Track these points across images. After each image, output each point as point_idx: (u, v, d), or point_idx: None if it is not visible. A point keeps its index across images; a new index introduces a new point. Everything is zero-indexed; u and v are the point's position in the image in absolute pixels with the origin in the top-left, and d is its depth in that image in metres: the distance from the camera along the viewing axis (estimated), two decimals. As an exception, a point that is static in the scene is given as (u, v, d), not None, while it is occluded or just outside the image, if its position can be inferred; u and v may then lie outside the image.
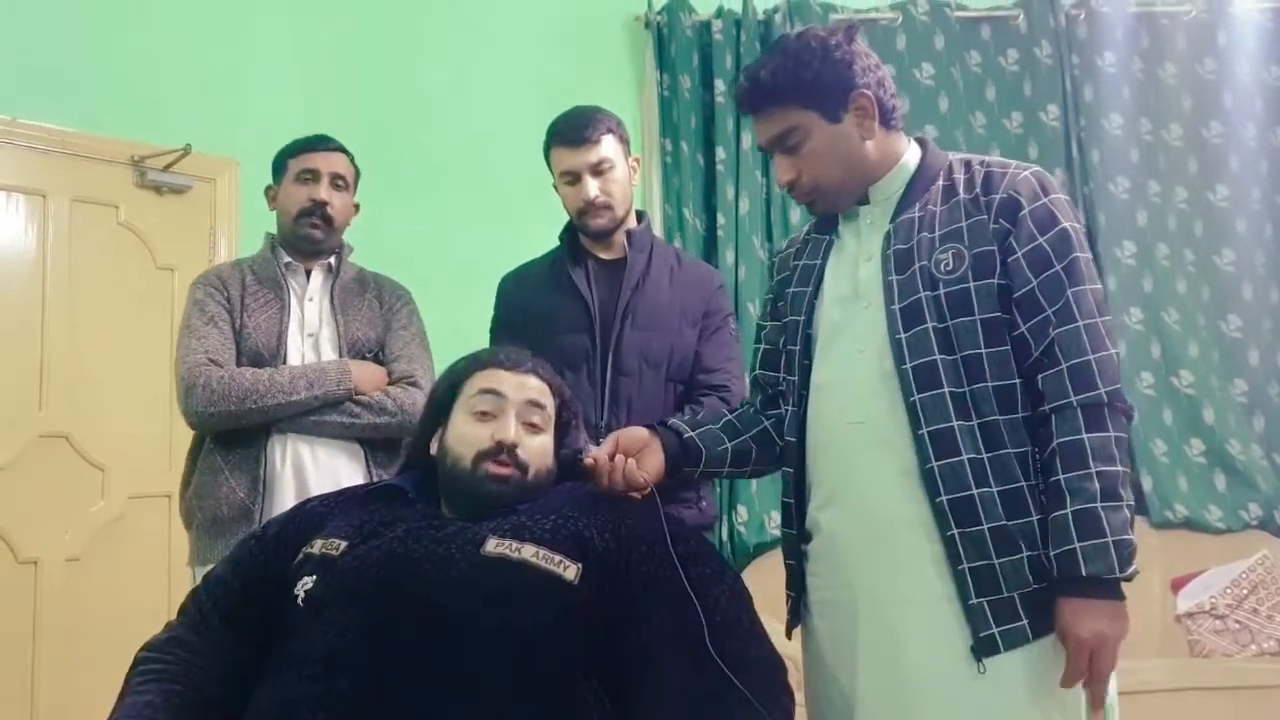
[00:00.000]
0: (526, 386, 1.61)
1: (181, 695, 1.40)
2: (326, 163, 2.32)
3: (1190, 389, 3.53)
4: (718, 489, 3.00)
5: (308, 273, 2.33)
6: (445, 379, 1.68)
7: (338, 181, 2.33)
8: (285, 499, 2.10)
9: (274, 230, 2.39)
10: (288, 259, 2.32)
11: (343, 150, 2.38)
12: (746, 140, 3.59)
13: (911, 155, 1.61)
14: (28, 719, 2.93)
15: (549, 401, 1.63)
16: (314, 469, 2.18)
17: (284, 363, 2.22)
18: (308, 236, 2.30)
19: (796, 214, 3.57)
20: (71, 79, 3.19)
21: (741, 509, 3.42)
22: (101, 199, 3.24)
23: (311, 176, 2.31)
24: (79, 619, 3.02)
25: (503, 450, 1.52)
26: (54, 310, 3.10)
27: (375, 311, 2.34)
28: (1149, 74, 3.72)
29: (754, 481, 3.34)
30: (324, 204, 2.29)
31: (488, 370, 1.62)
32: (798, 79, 1.53)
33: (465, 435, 1.56)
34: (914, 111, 3.68)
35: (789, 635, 1.68)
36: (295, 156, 2.34)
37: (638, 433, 1.66)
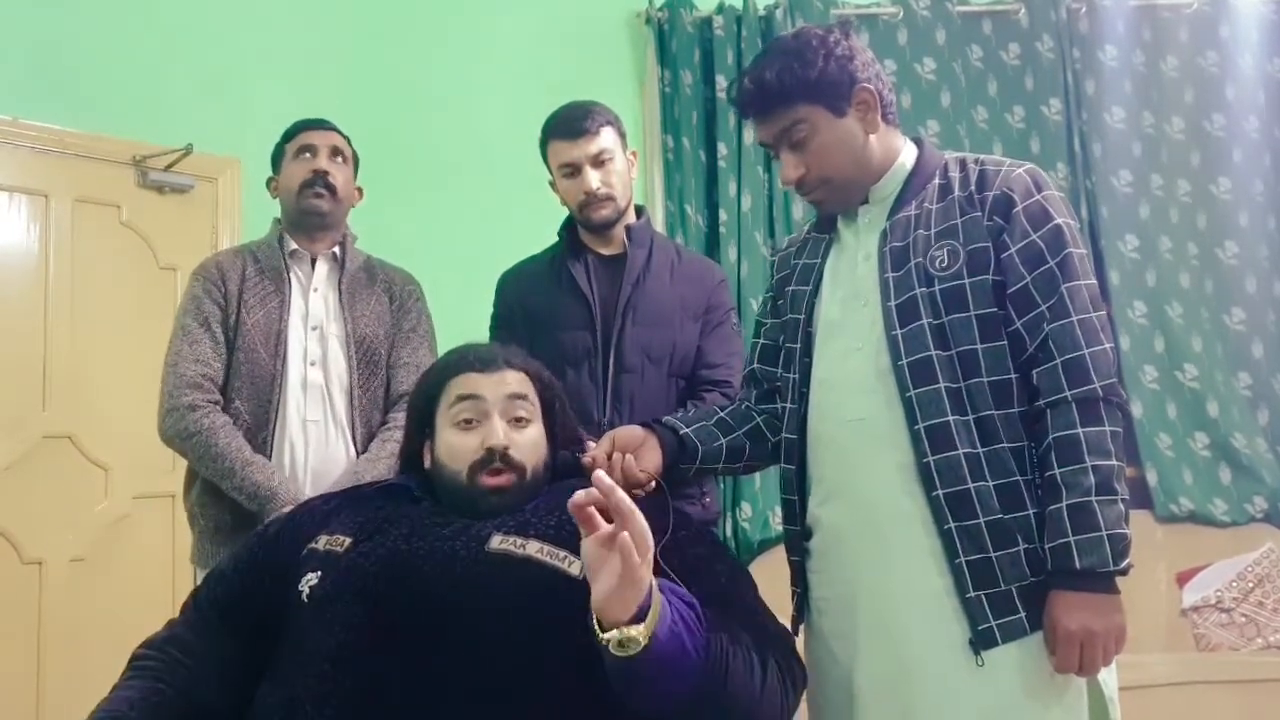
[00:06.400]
0: (504, 383, 1.56)
1: (161, 694, 1.39)
2: (323, 138, 2.32)
3: (1194, 383, 3.52)
4: (721, 485, 3.00)
5: (313, 262, 2.31)
6: (420, 390, 1.64)
7: (336, 156, 2.32)
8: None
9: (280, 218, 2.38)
10: (294, 247, 2.30)
11: (338, 130, 2.37)
12: (748, 136, 3.58)
13: (908, 155, 1.63)
14: (32, 718, 2.93)
15: (530, 390, 1.59)
16: (323, 479, 2.17)
17: (284, 356, 2.20)
18: (312, 208, 2.28)
19: (799, 210, 3.57)
20: (73, 79, 3.20)
21: (745, 505, 3.42)
22: (103, 199, 3.24)
23: (310, 152, 2.30)
24: (83, 619, 3.02)
25: (495, 457, 1.49)
26: (56, 311, 3.10)
27: (385, 307, 2.33)
28: (1151, 67, 3.72)
29: (757, 477, 3.34)
30: (325, 173, 2.28)
31: (460, 376, 1.58)
32: (802, 76, 1.54)
33: (455, 447, 1.52)
34: (916, 107, 3.68)
35: (795, 631, 1.68)
36: (292, 139, 2.34)
37: (634, 431, 1.66)
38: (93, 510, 3.13)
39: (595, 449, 1.62)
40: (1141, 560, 1.44)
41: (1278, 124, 3.67)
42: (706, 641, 1.24)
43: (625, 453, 1.61)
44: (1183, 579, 3.30)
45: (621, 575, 1.15)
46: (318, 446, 2.20)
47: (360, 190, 2.42)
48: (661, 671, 1.19)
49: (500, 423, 1.53)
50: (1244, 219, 3.61)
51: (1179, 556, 3.34)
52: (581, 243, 2.24)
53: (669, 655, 1.18)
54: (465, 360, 1.60)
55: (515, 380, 1.58)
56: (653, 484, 1.61)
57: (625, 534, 1.15)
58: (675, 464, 1.67)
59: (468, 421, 1.53)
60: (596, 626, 1.17)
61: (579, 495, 1.18)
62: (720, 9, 3.76)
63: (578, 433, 1.70)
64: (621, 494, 1.17)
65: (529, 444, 1.54)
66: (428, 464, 1.59)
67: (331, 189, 2.29)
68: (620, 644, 1.15)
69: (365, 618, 1.33)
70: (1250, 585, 3.22)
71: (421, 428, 1.61)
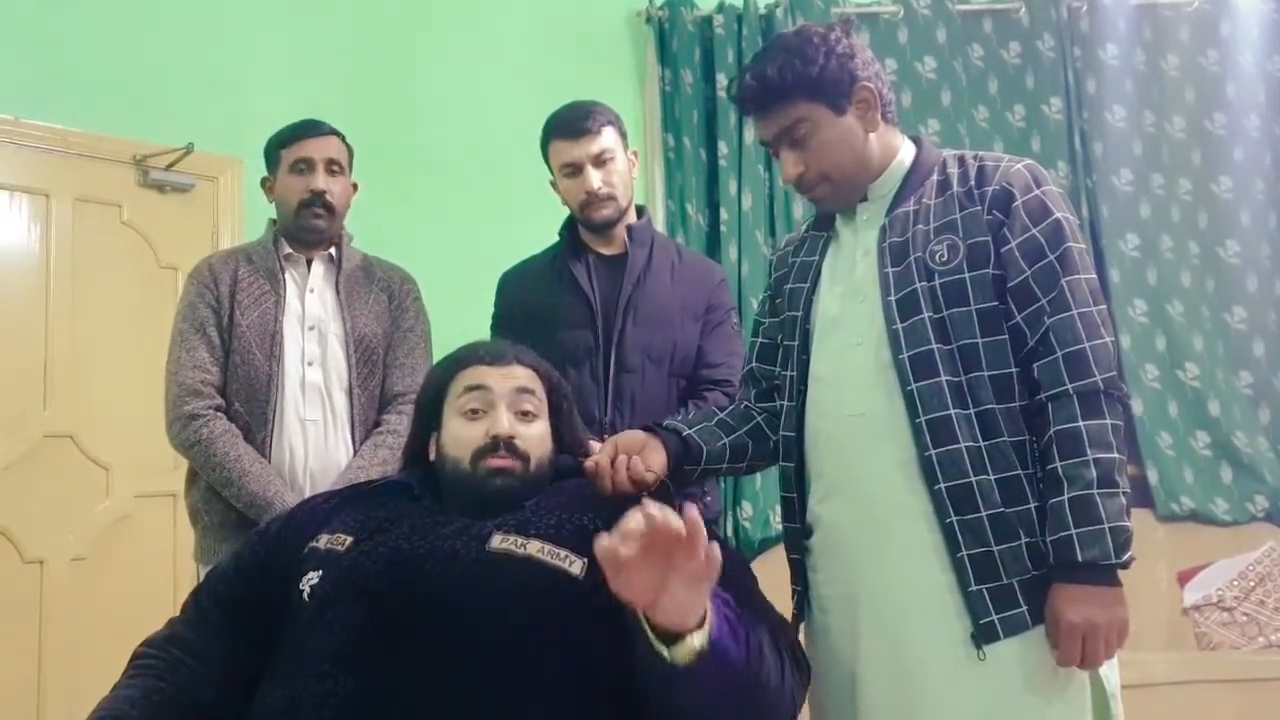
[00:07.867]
0: (512, 376, 1.57)
1: (162, 693, 1.39)
2: (320, 149, 2.28)
3: (1195, 381, 3.51)
4: (721, 485, 3.00)
5: (309, 263, 2.30)
6: (429, 384, 1.65)
7: (333, 167, 2.29)
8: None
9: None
10: (289, 250, 2.29)
11: (334, 132, 2.33)
12: (749, 135, 3.58)
13: (906, 152, 1.63)
14: (34, 718, 2.93)
15: (538, 387, 1.59)
16: (323, 478, 2.17)
17: (280, 357, 2.20)
18: (311, 227, 2.27)
19: (799, 208, 3.57)
20: (74, 79, 3.19)
21: (746, 504, 3.42)
22: (104, 198, 3.24)
23: (306, 166, 2.27)
24: (84, 619, 3.02)
25: (499, 444, 1.49)
26: (57, 310, 3.10)
27: (383, 306, 2.32)
28: (1151, 66, 3.71)
29: (758, 476, 3.34)
30: (323, 193, 2.26)
31: (470, 369, 1.58)
32: (803, 73, 1.55)
33: (459, 436, 1.52)
34: (916, 105, 3.68)
35: (796, 629, 1.68)
36: (287, 146, 2.29)
37: (636, 434, 1.65)
38: (94, 509, 3.13)
39: (598, 453, 1.60)
40: (1142, 559, 1.44)
41: (1278, 122, 3.67)
42: (746, 639, 1.25)
43: (629, 455, 1.60)
44: (1184, 578, 3.30)
45: (688, 584, 1.14)
46: (317, 447, 2.20)
47: (355, 185, 2.39)
48: (712, 676, 1.20)
49: (506, 413, 1.53)
50: (1245, 218, 3.60)
51: (1180, 555, 3.34)
52: (582, 242, 2.24)
53: (721, 661, 1.19)
54: (475, 354, 1.61)
55: (524, 375, 1.58)
56: (656, 485, 1.61)
57: (700, 561, 1.14)
58: (680, 465, 1.66)
59: (474, 411, 1.54)
60: (650, 636, 1.18)
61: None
62: (721, 8, 3.76)
63: (582, 437, 1.69)
64: (674, 518, 1.13)
65: (535, 437, 1.54)
66: (432, 456, 1.59)
67: (330, 208, 2.27)
68: (692, 653, 1.16)
69: (366, 617, 1.33)
70: (1251, 584, 3.22)
71: (428, 421, 1.61)
